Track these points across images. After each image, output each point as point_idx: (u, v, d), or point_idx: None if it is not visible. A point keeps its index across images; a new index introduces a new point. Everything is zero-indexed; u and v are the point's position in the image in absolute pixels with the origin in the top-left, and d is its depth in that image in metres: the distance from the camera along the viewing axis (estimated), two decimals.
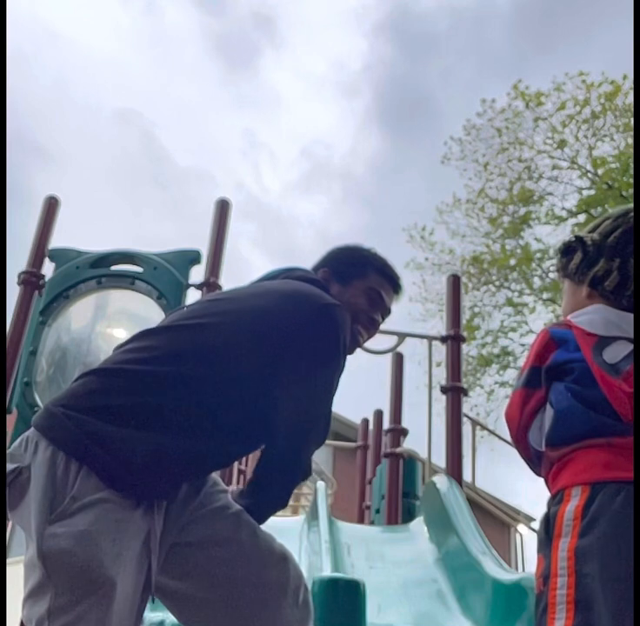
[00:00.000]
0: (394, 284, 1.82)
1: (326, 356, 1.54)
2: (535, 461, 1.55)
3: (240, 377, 1.50)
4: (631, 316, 1.55)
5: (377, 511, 4.92)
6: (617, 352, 1.49)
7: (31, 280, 3.42)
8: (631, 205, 1.73)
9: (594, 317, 1.57)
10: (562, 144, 13.87)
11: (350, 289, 1.75)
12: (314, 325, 1.53)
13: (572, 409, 1.44)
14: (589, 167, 13.83)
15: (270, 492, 1.57)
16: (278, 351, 1.51)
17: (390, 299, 1.80)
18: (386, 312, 1.80)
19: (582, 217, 13.77)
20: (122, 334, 3.41)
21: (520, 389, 1.56)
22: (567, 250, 1.74)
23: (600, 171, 13.58)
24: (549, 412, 1.51)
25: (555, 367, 1.52)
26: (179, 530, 1.50)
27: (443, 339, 4.24)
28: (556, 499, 1.42)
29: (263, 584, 1.49)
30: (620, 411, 1.39)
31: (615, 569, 1.28)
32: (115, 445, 1.38)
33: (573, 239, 1.73)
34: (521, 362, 14.26)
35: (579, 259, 1.69)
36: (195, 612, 1.53)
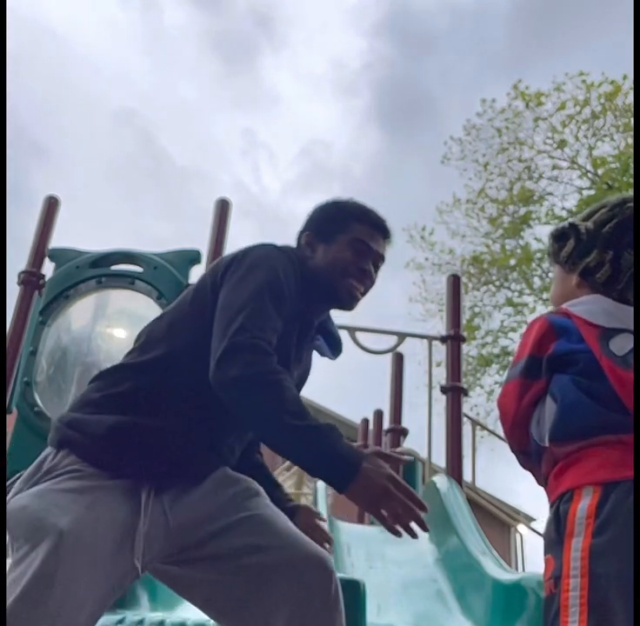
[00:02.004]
0: (379, 229, 1.75)
1: (245, 269, 1.55)
2: (534, 455, 1.49)
3: (195, 348, 1.52)
4: (629, 308, 1.51)
5: None
6: (623, 345, 1.44)
7: (31, 280, 3.42)
8: (628, 194, 1.69)
9: (593, 308, 1.52)
10: (562, 144, 13.87)
11: (335, 245, 1.70)
12: (235, 259, 1.58)
13: (579, 403, 1.39)
14: (589, 167, 13.83)
15: (253, 422, 1.44)
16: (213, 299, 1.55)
17: (378, 245, 1.73)
18: (378, 259, 1.74)
19: None
20: (122, 334, 3.41)
21: (517, 378, 1.50)
22: (560, 236, 1.70)
23: (600, 171, 13.59)
24: (550, 405, 1.45)
25: (557, 357, 1.46)
26: (210, 536, 1.48)
27: (443, 339, 4.24)
28: (565, 497, 1.37)
29: (297, 588, 1.44)
30: (629, 405, 1.34)
31: (631, 569, 1.23)
32: (87, 426, 1.46)
33: (566, 225, 1.70)
34: None
35: (571, 247, 1.66)
36: (228, 609, 1.50)
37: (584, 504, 1.32)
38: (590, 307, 1.53)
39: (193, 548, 1.48)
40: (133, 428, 1.45)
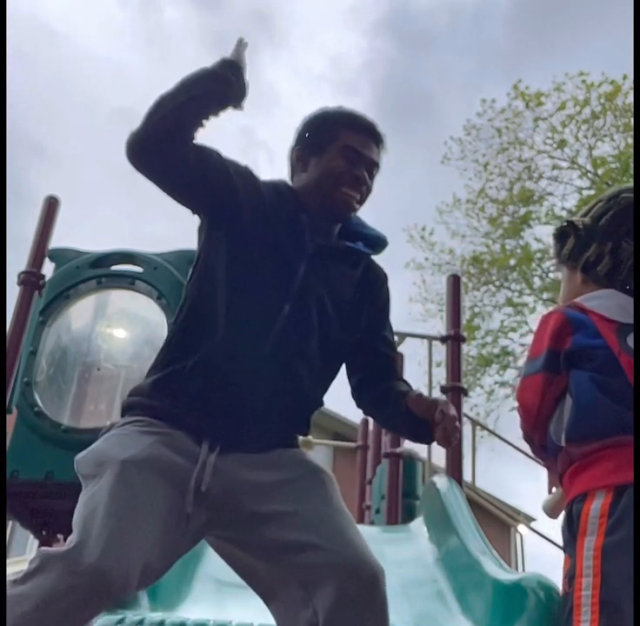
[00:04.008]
0: (370, 134, 1.70)
1: None
2: (550, 452, 1.48)
3: (207, 295, 1.62)
4: None
5: (377, 511, 4.92)
6: None
7: (31, 280, 3.42)
8: (623, 186, 1.69)
9: (608, 303, 1.52)
10: (562, 144, 13.87)
11: (326, 156, 1.66)
12: None
13: (595, 403, 1.38)
14: (589, 167, 13.83)
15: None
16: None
17: (370, 151, 1.69)
18: (372, 166, 1.69)
19: None
20: (122, 334, 3.40)
21: (540, 373, 1.48)
22: (560, 236, 1.70)
23: (600, 171, 13.58)
24: (568, 402, 1.43)
25: (575, 352, 1.45)
26: (262, 518, 1.45)
27: (443, 339, 4.23)
28: (579, 498, 1.37)
29: (340, 595, 1.37)
30: None
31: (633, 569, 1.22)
32: (141, 388, 1.58)
33: (565, 224, 1.70)
34: (521, 362, 14.23)
35: (572, 244, 1.65)
36: (273, 597, 1.48)
37: (597, 504, 1.32)
38: (606, 302, 1.52)
39: (244, 526, 1.46)
40: (174, 379, 1.53)
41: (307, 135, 1.72)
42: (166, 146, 1.50)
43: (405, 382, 1.72)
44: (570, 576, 1.32)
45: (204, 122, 1.55)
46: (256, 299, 1.56)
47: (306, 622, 1.40)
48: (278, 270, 1.59)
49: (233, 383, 1.51)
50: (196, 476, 1.42)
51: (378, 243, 1.76)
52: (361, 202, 1.70)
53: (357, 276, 1.70)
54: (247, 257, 1.58)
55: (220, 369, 1.52)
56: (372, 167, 1.70)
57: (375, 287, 1.73)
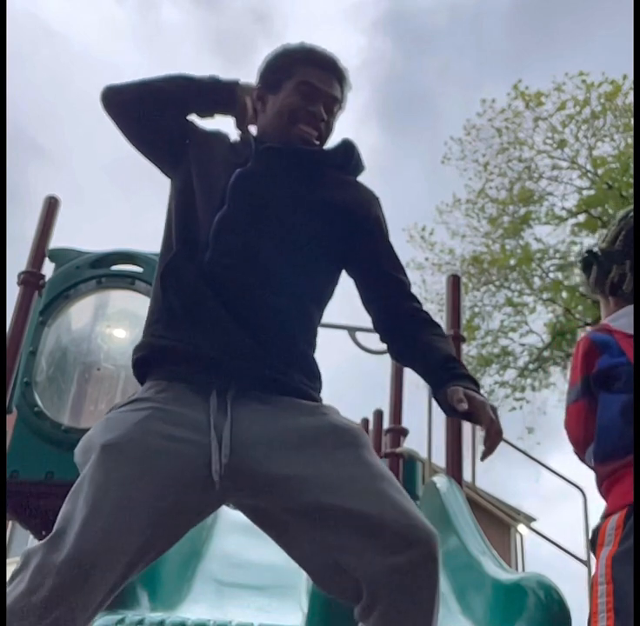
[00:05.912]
0: (328, 69, 1.63)
1: None
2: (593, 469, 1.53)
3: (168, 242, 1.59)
4: None
5: None
6: None
7: (31, 280, 3.42)
8: (630, 207, 1.73)
9: (633, 319, 1.54)
10: (562, 144, 13.86)
11: (282, 92, 1.61)
12: None
13: (614, 424, 1.42)
14: (589, 167, 13.82)
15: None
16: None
17: (329, 86, 1.62)
18: (332, 102, 1.63)
19: (582, 217, 13.76)
20: (122, 334, 3.41)
21: (580, 400, 1.52)
22: (585, 267, 1.74)
23: (600, 171, 13.57)
24: None
25: (602, 373, 1.49)
26: (286, 481, 1.30)
27: None
28: (602, 514, 1.43)
29: (388, 569, 1.22)
30: None
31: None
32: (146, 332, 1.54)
33: (586, 254, 1.74)
34: (521, 362, 14.22)
35: (596, 272, 1.69)
36: (306, 564, 1.37)
37: (614, 517, 1.39)
38: (630, 319, 1.55)
39: (260, 493, 1.33)
40: (158, 318, 1.48)
41: (265, 72, 1.69)
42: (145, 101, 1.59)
43: (430, 324, 1.58)
44: (591, 584, 1.37)
45: (188, 107, 1.63)
46: (197, 210, 1.53)
47: (347, 590, 1.27)
48: (218, 179, 1.56)
49: (196, 300, 1.45)
50: (213, 448, 1.31)
51: (340, 144, 1.69)
52: (320, 139, 1.64)
53: (331, 180, 1.64)
54: (196, 180, 1.57)
55: (188, 286, 1.46)
56: (332, 103, 1.64)
57: (362, 207, 1.64)
